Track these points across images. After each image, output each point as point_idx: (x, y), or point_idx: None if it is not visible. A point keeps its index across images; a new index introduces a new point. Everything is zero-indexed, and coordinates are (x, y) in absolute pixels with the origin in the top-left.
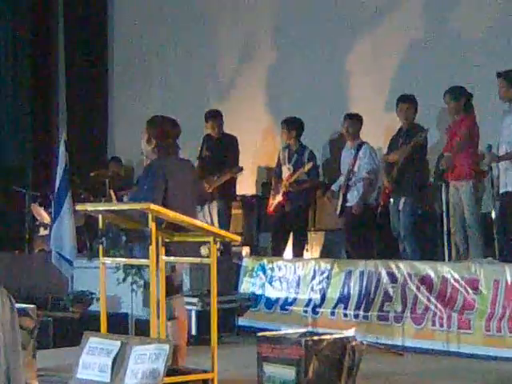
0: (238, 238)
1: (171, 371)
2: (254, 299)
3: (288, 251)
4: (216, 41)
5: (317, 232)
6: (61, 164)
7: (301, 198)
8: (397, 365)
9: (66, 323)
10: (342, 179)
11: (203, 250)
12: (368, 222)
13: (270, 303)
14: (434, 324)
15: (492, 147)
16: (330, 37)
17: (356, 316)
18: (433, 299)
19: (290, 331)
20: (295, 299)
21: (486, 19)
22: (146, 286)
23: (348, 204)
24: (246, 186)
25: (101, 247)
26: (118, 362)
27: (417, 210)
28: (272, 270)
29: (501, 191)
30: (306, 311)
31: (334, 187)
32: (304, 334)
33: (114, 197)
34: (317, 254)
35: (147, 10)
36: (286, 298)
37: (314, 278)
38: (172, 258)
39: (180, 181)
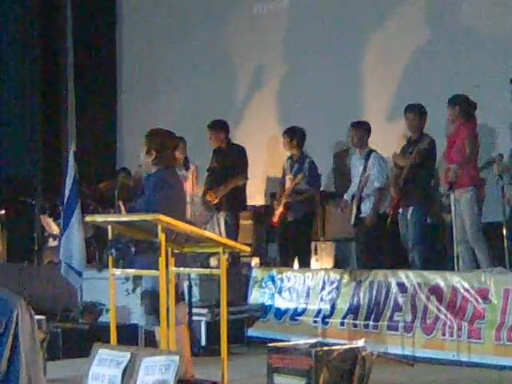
0: (247, 249)
1: (181, 382)
2: (264, 310)
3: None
4: (225, 54)
5: (326, 242)
6: (70, 175)
7: (301, 208)
8: (407, 375)
9: (75, 334)
10: (353, 188)
11: (212, 261)
12: (381, 232)
13: (280, 314)
14: (444, 334)
15: (503, 156)
16: (339, 46)
17: (366, 326)
18: (443, 309)
19: (300, 342)
20: (305, 310)
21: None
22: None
23: (362, 215)
24: (255, 196)
25: (110, 258)
26: (128, 374)
27: (425, 219)
28: (281, 280)
29: None
30: (315, 321)
31: (346, 196)
32: (314, 345)
33: (123, 208)
34: (328, 264)
35: (156, 23)
36: (296, 309)
37: (323, 288)
38: (181, 269)
39: (180, 192)
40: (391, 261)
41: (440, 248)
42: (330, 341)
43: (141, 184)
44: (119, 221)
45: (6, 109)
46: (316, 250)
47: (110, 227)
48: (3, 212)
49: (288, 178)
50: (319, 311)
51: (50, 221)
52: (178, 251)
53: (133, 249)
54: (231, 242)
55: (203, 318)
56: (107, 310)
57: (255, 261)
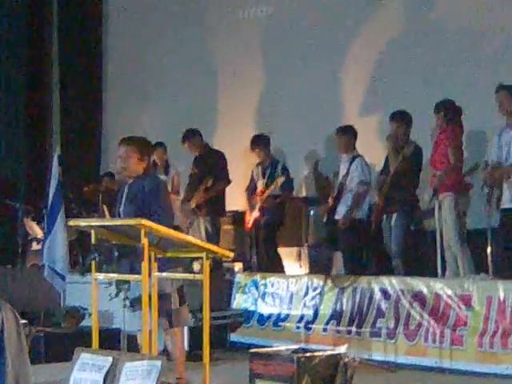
0: (231, 254)
1: None
2: (247, 315)
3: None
4: (209, 58)
5: (310, 247)
6: (54, 178)
7: (276, 212)
8: (389, 381)
9: (57, 338)
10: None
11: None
12: (357, 238)
13: (263, 319)
14: (426, 340)
15: (488, 162)
16: (319, 52)
17: (349, 332)
18: (425, 315)
19: (283, 348)
20: (288, 315)
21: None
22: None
23: (337, 217)
24: (235, 201)
25: (93, 263)
26: (110, 379)
27: (408, 225)
28: (265, 285)
29: (503, 206)
30: (298, 327)
31: (330, 201)
32: (296, 351)
33: (107, 212)
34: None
35: (142, 29)
36: (279, 314)
37: (306, 294)
38: (164, 274)
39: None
40: (375, 267)
41: (423, 254)
42: (313, 347)
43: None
44: (102, 225)
45: None
46: (300, 255)
47: (93, 231)
48: None
49: (260, 183)
50: (302, 317)
51: (34, 224)
52: (160, 256)
53: (116, 253)
54: (214, 247)
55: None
56: (90, 315)
57: (238, 266)
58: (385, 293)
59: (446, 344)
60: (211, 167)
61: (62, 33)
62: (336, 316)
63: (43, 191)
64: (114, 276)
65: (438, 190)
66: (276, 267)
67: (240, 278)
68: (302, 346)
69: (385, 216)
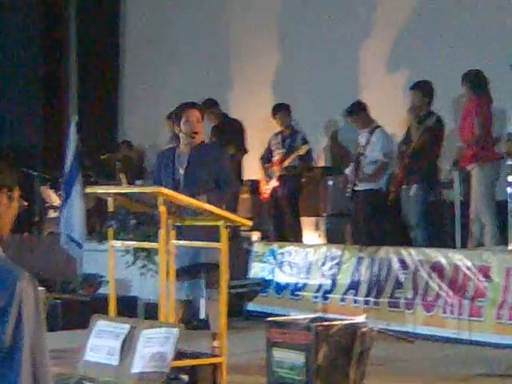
0: (249, 223)
1: (180, 355)
2: (264, 284)
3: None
4: (225, 31)
5: (328, 217)
6: (71, 146)
7: (293, 183)
8: (407, 352)
9: (75, 306)
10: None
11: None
12: (378, 208)
13: (280, 288)
14: (444, 311)
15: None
16: (336, 23)
17: (366, 302)
18: (444, 286)
19: (300, 316)
20: (305, 285)
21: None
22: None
23: (358, 188)
24: (253, 170)
25: (110, 230)
26: (127, 346)
27: (428, 197)
28: (282, 255)
29: None
30: (316, 297)
31: (347, 171)
32: (314, 320)
33: (124, 180)
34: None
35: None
36: (296, 284)
37: (324, 263)
38: (181, 242)
39: None
40: (393, 238)
41: (443, 226)
42: (331, 316)
43: (143, 157)
44: (120, 193)
45: (7, 80)
46: (318, 225)
47: (110, 199)
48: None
49: (278, 152)
50: (320, 286)
51: (51, 192)
52: (178, 224)
53: (133, 221)
54: (232, 216)
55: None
56: (107, 282)
57: (256, 235)
58: (403, 263)
59: (464, 315)
60: (229, 136)
61: (81, 2)
62: (354, 286)
63: (60, 159)
64: (131, 244)
65: (457, 161)
66: (297, 237)
67: (258, 247)
68: (320, 315)
69: (404, 187)
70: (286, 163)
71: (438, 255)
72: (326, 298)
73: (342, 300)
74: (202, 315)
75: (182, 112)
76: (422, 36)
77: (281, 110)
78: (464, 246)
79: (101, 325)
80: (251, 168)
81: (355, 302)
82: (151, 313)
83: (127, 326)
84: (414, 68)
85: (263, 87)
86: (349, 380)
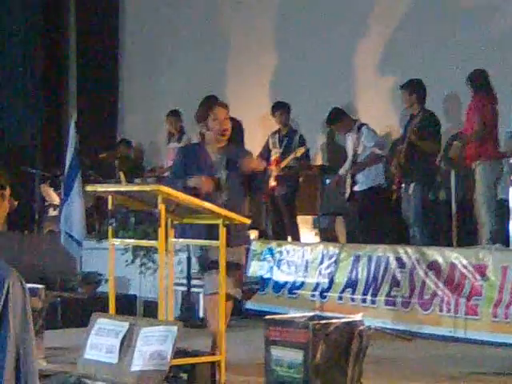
0: (248, 221)
1: (179, 353)
2: (262, 283)
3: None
4: (222, 32)
5: (325, 216)
6: (71, 145)
7: (292, 182)
8: (404, 350)
9: (74, 304)
10: (347, 164)
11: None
12: (377, 206)
13: (278, 287)
14: (441, 310)
15: None
16: (337, 19)
17: (364, 301)
18: (440, 285)
19: (298, 315)
20: (303, 283)
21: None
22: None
23: (356, 188)
24: None
25: (110, 228)
26: (126, 343)
27: (425, 195)
28: (280, 253)
29: None
30: (313, 295)
31: (341, 171)
32: (312, 318)
33: (123, 178)
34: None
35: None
36: (294, 282)
37: (322, 262)
38: (181, 240)
39: None
40: (391, 237)
41: (439, 224)
42: (328, 315)
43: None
44: (120, 191)
45: (7, 78)
46: (315, 224)
47: (110, 197)
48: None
49: (275, 152)
50: (317, 285)
51: (51, 190)
52: (177, 222)
53: (132, 219)
54: (231, 214)
55: (201, 290)
56: (106, 280)
57: (254, 233)
58: (400, 262)
59: (460, 314)
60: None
61: (80, 3)
62: (351, 284)
63: (60, 157)
64: (131, 242)
65: (450, 158)
66: (294, 235)
67: (256, 245)
68: (318, 313)
69: (403, 185)
70: (283, 164)
71: (435, 254)
72: (323, 297)
73: (340, 298)
74: (201, 313)
75: (209, 110)
76: (415, 37)
77: (280, 108)
78: (460, 244)
79: (101, 323)
80: None
81: (352, 300)
82: (150, 311)
83: (126, 324)
84: (408, 69)
85: (260, 87)
86: (346, 378)
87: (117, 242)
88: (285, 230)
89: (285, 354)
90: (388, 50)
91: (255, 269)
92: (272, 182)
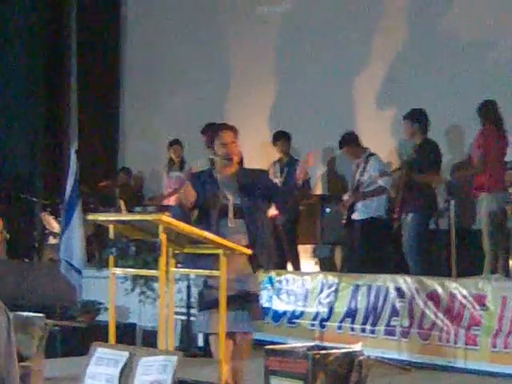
0: (248, 251)
1: (179, 383)
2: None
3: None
4: (225, 56)
5: (325, 245)
6: (71, 173)
7: (293, 211)
8: (403, 380)
9: (73, 332)
10: (350, 191)
11: None
12: (377, 236)
13: (278, 316)
14: (440, 340)
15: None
16: (338, 47)
17: (363, 330)
18: (440, 315)
19: (298, 345)
20: (302, 312)
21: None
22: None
23: (354, 216)
24: None
25: (111, 257)
26: (126, 373)
27: (423, 225)
28: (280, 282)
29: None
30: (313, 325)
31: (345, 197)
32: (311, 348)
33: (123, 207)
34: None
35: (160, 25)
36: (294, 311)
37: (321, 291)
38: (182, 270)
39: None
40: (390, 266)
41: (439, 254)
42: (328, 344)
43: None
44: (121, 220)
45: (8, 107)
46: (315, 253)
47: (111, 226)
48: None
49: (277, 181)
50: (317, 314)
51: (51, 218)
52: (178, 252)
53: (133, 248)
54: (232, 244)
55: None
56: (106, 309)
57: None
58: (400, 291)
59: (459, 344)
60: None
61: (81, 29)
62: (351, 314)
63: (60, 186)
64: (131, 271)
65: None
66: (295, 265)
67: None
68: (317, 343)
69: (403, 215)
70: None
71: (434, 284)
72: (322, 326)
73: (339, 328)
74: (201, 343)
75: (215, 134)
76: (416, 67)
77: (281, 137)
78: (460, 274)
79: (100, 352)
80: None
81: (352, 329)
82: (149, 340)
83: (126, 354)
84: (410, 99)
85: (261, 115)
86: None
87: (117, 270)
88: (285, 259)
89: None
90: (390, 80)
91: None
92: (273, 211)
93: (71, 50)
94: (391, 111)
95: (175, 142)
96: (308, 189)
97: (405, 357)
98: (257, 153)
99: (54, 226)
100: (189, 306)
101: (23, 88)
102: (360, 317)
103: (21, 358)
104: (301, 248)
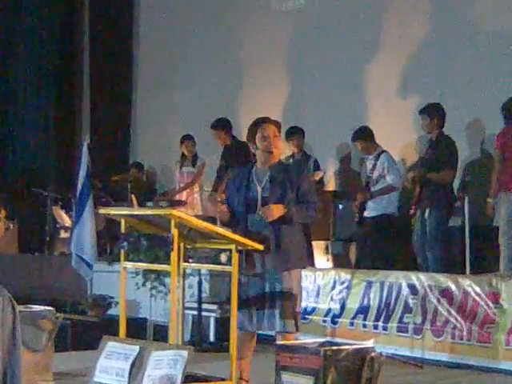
0: (260, 247)
1: (189, 378)
2: None
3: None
4: (238, 52)
5: (337, 242)
6: (83, 167)
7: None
8: (416, 377)
9: (84, 327)
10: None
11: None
12: (389, 234)
13: None
14: (453, 337)
15: None
16: (353, 41)
17: (375, 327)
18: (453, 312)
19: (309, 340)
20: (314, 308)
21: None
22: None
23: (366, 214)
24: None
25: (122, 251)
26: (136, 367)
27: (443, 221)
28: None
29: None
30: (325, 321)
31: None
32: (323, 344)
33: (135, 201)
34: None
35: (173, 19)
36: (306, 307)
37: (333, 287)
38: (193, 265)
39: None
40: (400, 263)
41: (453, 251)
42: (339, 341)
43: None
44: (132, 214)
45: (20, 101)
46: (327, 249)
47: (122, 220)
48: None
49: None
50: (329, 311)
51: (62, 213)
52: (189, 246)
53: (144, 243)
54: (244, 240)
55: (212, 314)
56: (116, 303)
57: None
58: (412, 288)
59: (473, 341)
60: (236, 158)
61: (94, 23)
62: (363, 310)
63: (72, 180)
64: (143, 265)
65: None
66: (309, 261)
67: None
68: (329, 339)
69: (418, 211)
70: None
71: (448, 280)
72: (334, 323)
73: (351, 324)
74: (212, 338)
75: (257, 127)
76: (431, 60)
77: (295, 133)
78: (475, 271)
79: (111, 346)
80: None
81: (364, 326)
82: (160, 335)
83: (137, 348)
84: (424, 92)
85: (274, 111)
86: None
87: (129, 265)
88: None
89: (295, 379)
90: (403, 75)
91: None
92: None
93: (84, 44)
94: (404, 105)
95: (187, 138)
96: (321, 185)
97: (417, 354)
98: None
99: (66, 220)
100: (200, 301)
101: (36, 82)
102: (372, 313)
103: (31, 351)
104: (313, 244)
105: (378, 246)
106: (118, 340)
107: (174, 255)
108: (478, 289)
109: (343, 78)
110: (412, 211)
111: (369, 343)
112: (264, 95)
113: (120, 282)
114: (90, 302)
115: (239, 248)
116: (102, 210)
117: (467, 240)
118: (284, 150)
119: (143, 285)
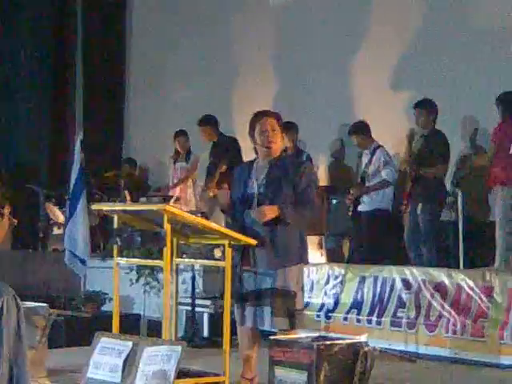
0: (254, 242)
1: (182, 373)
2: None
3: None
4: (230, 49)
5: (331, 236)
6: (76, 163)
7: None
8: (409, 372)
9: (77, 323)
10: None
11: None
12: (381, 228)
13: None
14: (447, 331)
15: None
16: (338, 43)
17: (369, 322)
18: (447, 306)
19: (303, 335)
20: (308, 303)
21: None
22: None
23: (360, 208)
24: None
25: (115, 247)
26: (129, 363)
27: (434, 215)
28: None
29: None
30: (318, 316)
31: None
32: (316, 339)
33: (128, 197)
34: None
35: (166, 16)
36: None
37: (327, 282)
38: (186, 260)
39: None
40: (393, 258)
41: (446, 245)
42: (333, 335)
43: (147, 175)
44: (126, 210)
45: (14, 97)
46: (321, 244)
47: (116, 216)
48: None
49: None
50: (323, 305)
51: (56, 209)
52: (183, 242)
53: (138, 238)
54: (237, 235)
55: (206, 310)
56: (110, 299)
57: None
58: (406, 283)
59: (466, 335)
60: (225, 153)
61: (87, 22)
62: (357, 305)
63: (65, 176)
64: (136, 261)
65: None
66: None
67: None
68: (322, 334)
69: (410, 206)
70: None
71: (441, 275)
72: (328, 317)
73: (345, 319)
74: (206, 333)
75: (256, 121)
76: (425, 56)
77: (289, 128)
78: (467, 265)
79: (104, 342)
80: None
81: (358, 321)
82: (154, 330)
83: (130, 344)
84: (417, 88)
85: (265, 107)
86: None
87: (122, 260)
88: None
89: (289, 374)
90: (395, 69)
91: None
92: None
93: (77, 40)
94: (400, 100)
95: (181, 133)
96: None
97: (411, 348)
98: None
99: (59, 216)
100: (193, 297)
101: (29, 78)
102: (366, 308)
103: None
104: (307, 239)
105: (372, 241)
106: (112, 336)
107: (167, 251)
108: (471, 283)
109: (335, 72)
110: (404, 206)
111: (362, 338)
112: (256, 91)
113: (113, 278)
114: (83, 298)
115: (232, 243)
116: (95, 206)
117: (461, 234)
118: (285, 144)
119: (137, 281)
